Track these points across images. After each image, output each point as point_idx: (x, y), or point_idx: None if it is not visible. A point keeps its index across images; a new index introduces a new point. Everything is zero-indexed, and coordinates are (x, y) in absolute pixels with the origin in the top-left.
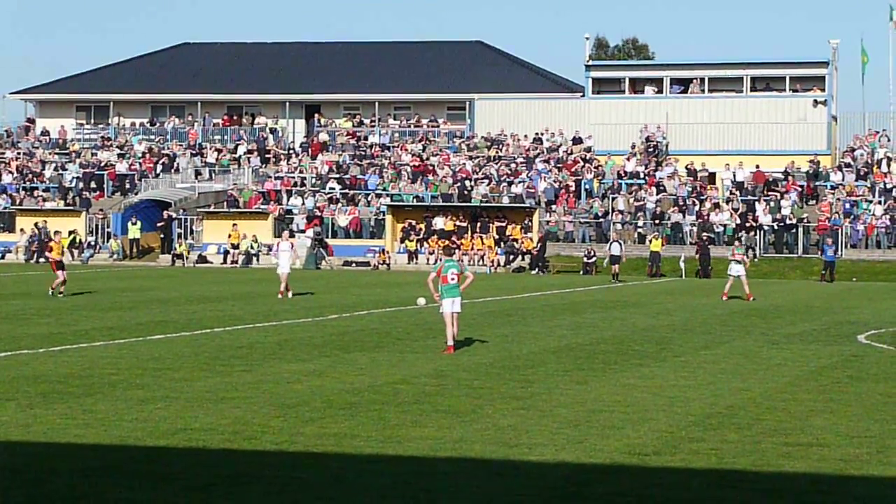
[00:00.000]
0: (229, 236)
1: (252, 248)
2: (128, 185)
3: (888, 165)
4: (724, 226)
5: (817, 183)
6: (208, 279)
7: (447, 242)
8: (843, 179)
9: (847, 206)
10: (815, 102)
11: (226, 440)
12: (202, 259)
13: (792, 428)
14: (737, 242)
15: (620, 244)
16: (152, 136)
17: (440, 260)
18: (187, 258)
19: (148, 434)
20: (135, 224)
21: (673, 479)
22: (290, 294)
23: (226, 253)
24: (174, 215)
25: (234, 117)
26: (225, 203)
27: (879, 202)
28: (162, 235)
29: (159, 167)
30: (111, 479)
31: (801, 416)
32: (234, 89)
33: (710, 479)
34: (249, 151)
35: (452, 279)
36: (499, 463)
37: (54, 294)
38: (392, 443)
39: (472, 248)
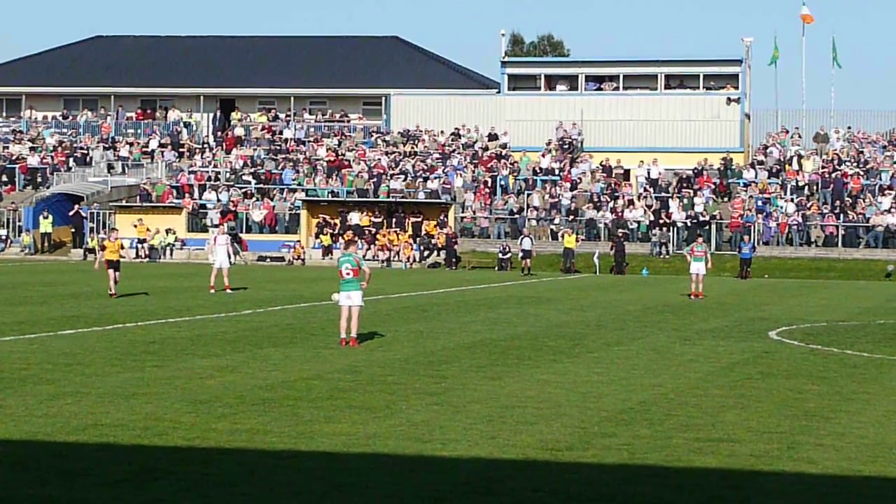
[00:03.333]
0: (135, 227)
1: (164, 241)
2: (40, 179)
3: (800, 163)
4: (638, 222)
5: (730, 180)
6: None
7: (349, 236)
8: (755, 177)
9: (760, 203)
10: (729, 100)
11: (137, 436)
12: None
13: (703, 423)
14: (699, 239)
15: (531, 239)
16: (65, 130)
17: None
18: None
19: (58, 429)
20: (46, 218)
21: (585, 474)
22: (229, 290)
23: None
24: (86, 208)
25: (148, 111)
26: (138, 197)
27: (791, 199)
28: (73, 230)
29: (72, 161)
30: (21, 474)
31: (713, 412)
32: (148, 83)
33: (622, 475)
34: (163, 145)
35: (348, 273)
36: (412, 458)
37: (114, 296)
38: (305, 438)
39: (388, 244)
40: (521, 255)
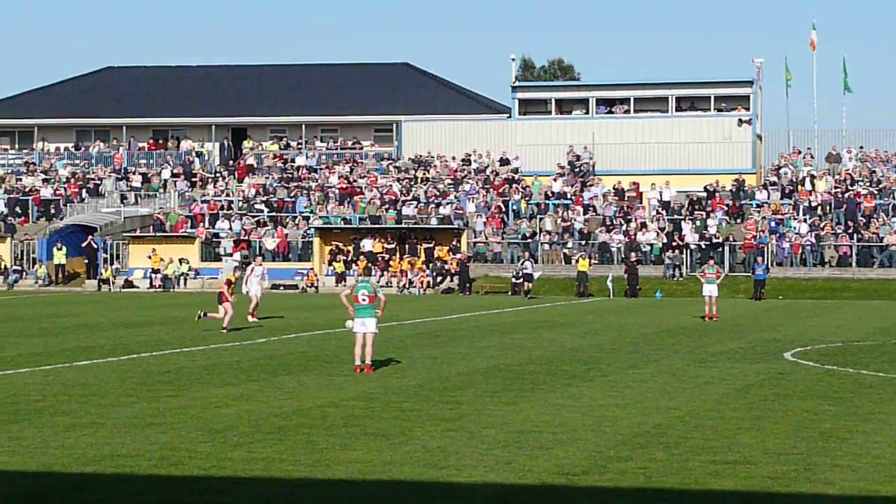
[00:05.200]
0: (149, 258)
1: (178, 271)
2: (53, 211)
3: (812, 183)
4: (651, 245)
5: (743, 202)
6: (134, 304)
7: (366, 263)
8: (768, 198)
9: (773, 224)
10: (740, 121)
11: (153, 466)
12: (128, 284)
13: (719, 446)
14: (711, 261)
15: (532, 263)
16: (77, 161)
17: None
18: (113, 283)
19: (74, 461)
20: (60, 249)
21: (601, 498)
22: (252, 319)
23: (152, 277)
24: (99, 239)
25: (160, 141)
26: (151, 227)
27: (804, 220)
28: (87, 261)
29: (84, 192)
30: None
31: (729, 435)
32: (159, 113)
33: (638, 499)
34: (175, 175)
35: (363, 300)
36: (428, 485)
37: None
38: (320, 466)
39: (401, 270)
40: (523, 278)
